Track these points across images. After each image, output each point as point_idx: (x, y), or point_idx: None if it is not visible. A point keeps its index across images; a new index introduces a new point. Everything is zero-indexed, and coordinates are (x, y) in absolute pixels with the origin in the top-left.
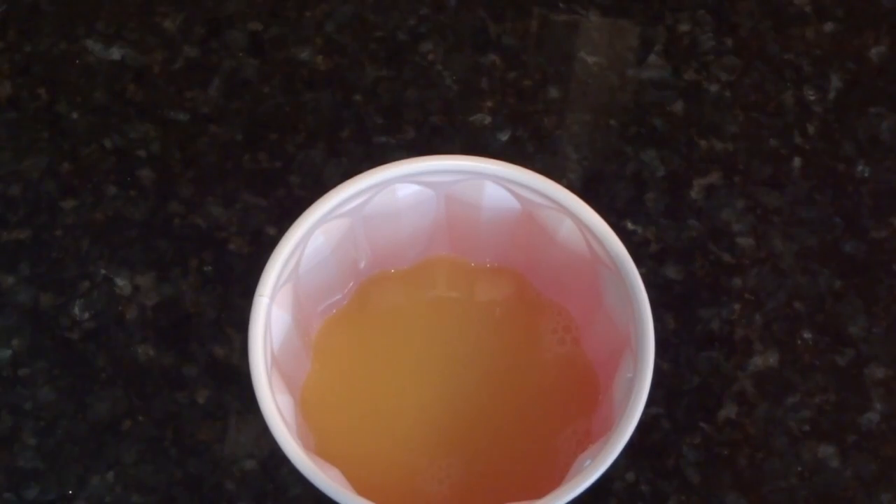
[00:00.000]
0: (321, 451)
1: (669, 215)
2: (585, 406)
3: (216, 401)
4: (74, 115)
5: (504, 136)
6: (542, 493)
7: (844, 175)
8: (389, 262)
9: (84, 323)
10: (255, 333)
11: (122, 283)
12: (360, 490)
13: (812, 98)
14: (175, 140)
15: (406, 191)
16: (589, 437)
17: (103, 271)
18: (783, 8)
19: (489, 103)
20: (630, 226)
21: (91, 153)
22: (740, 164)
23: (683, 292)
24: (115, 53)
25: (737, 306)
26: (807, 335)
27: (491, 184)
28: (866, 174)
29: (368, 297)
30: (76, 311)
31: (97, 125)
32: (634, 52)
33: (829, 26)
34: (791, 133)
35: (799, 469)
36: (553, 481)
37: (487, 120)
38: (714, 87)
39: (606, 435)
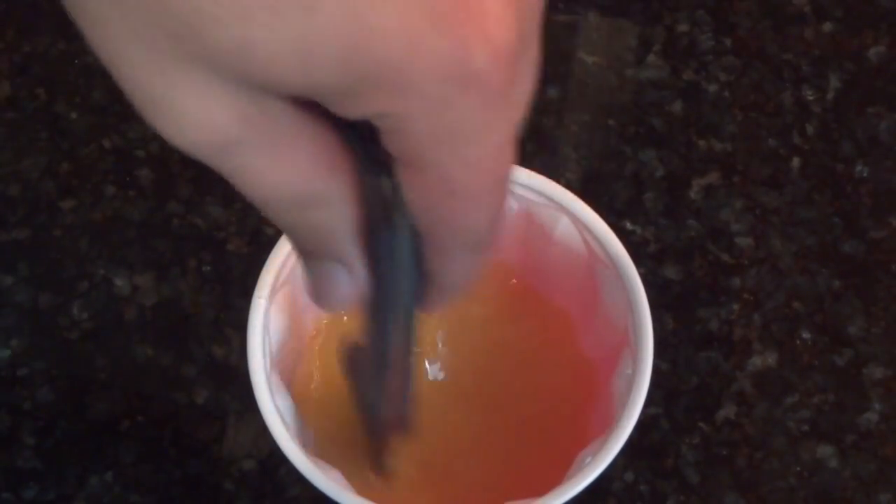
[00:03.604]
0: (320, 451)
1: (668, 215)
2: (584, 404)
3: (215, 401)
4: (73, 115)
5: None
6: (541, 491)
7: (843, 175)
8: None
9: (83, 323)
10: (254, 335)
11: (120, 284)
12: (360, 490)
13: (811, 98)
14: None
15: None
16: (588, 436)
17: (102, 271)
18: (782, 8)
19: None
20: (629, 226)
21: (90, 153)
22: (739, 164)
23: (682, 292)
24: None
25: (736, 306)
26: (805, 335)
27: None
28: (865, 174)
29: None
30: (75, 311)
31: (96, 125)
32: (633, 52)
33: (827, 26)
34: (790, 133)
35: (798, 469)
36: (553, 479)
37: None
38: (713, 87)
39: (606, 433)
